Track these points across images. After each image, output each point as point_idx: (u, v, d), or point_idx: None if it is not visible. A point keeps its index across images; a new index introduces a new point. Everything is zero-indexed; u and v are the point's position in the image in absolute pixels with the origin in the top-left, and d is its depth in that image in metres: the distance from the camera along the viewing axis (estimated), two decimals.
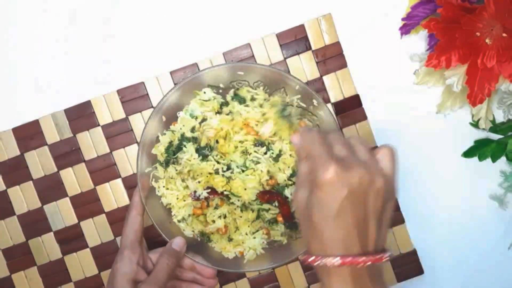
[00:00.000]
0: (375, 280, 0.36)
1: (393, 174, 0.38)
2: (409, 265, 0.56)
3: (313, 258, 0.36)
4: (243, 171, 0.49)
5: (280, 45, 0.55)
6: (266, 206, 0.51)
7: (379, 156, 0.38)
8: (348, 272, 0.35)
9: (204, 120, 0.50)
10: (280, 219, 0.51)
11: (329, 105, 0.55)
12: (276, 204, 0.50)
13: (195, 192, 0.50)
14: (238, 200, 0.50)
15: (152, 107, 0.55)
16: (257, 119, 0.50)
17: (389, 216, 0.38)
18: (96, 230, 0.55)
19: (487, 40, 0.47)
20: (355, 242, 0.36)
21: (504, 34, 0.46)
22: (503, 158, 0.55)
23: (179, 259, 0.48)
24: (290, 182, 0.50)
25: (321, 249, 0.36)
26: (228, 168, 0.49)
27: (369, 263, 0.35)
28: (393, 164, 0.38)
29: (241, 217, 0.51)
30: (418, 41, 0.55)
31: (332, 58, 0.55)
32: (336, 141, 0.39)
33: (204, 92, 0.51)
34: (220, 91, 0.52)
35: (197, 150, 0.50)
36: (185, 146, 0.50)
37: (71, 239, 0.55)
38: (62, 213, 0.55)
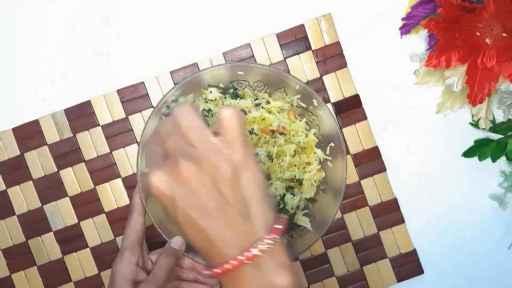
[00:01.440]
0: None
1: (234, 139, 0.32)
2: (409, 265, 0.56)
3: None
4: None
5: (280, 45, 0.55)
6: None
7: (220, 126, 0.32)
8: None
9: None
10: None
11: (329, 105, 0.55)
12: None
13: None
14: None
15: (152, 107, 0.55)
16: (249, 106, 0.50)
17: (256, 183, 0.32)
18: (96, 230, 0.55)
19: (487, 40, 0.47)
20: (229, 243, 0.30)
21: (504, 34, 0.46)
22: (503, 158, 0.55)
23: (178, 258, 0.48)
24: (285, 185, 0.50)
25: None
26: None
27: (265, 246, 0.30)
28: (235, 133, 0.32)
29: None
30: (418, 41, 0.55)
31: (332, 58, 0.55)
32: (163, 130, 0.33)
33: (211, 92, 0.51)
34: (220, 91, 0.52)
35: None
36: None
37: (71, 239, 0.55)
38: (62, 213, 0.55)
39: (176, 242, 0.49)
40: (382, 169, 0.56)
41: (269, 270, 0.31)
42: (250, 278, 0.30)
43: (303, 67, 0.55)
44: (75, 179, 0.55)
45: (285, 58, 0.55)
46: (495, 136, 0.55)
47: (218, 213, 0.31)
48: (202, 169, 0.31)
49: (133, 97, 0.55)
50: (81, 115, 0.55)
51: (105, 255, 0.55)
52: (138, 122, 0.55)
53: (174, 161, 0.31)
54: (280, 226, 0.31)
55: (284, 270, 0.31)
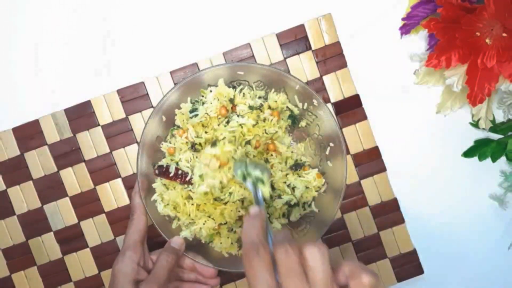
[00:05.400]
0: None
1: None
2: (409, 265, 0.56)
3: None
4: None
5: (280, 45, 0.55)
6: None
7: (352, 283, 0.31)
8: None
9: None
10: None
11: (329, 105, 0.55)
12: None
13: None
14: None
15: (152, 107, 0.55)
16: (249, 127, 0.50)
17: None
18: (96, 230, 0.55)
19: (487, 40, 0.47)
20: None
21: (504, 34, 0.46)
22: (503, 158, 0.55)
23: (178, 257, 0.49)
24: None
25: None
26: None
27: None
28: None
29: (239, 211, 0.50)
30: (418, 41, 0.55)
31: (332, 58, 0.55)
32: (285, 262, 0.31)
33: (210, 91, 0.51)
34: None
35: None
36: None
37: (71, 239, 0.55)
38: (62, 213, 0.55)
39: (176, 241, 0.49)
40: (382, 169, 0.56)
41: None
42: None
43: (303, 67, 0.55)
44: (75, 179, 0.55)
45: (285, 58, 0.55)
46: (495, 136, 0.55)
47: None
48: None
49: (133, 97, 0.55)
50: (81, 115, 0.55)
51: (105, 255, 0.55)
52: (138, 122, 0.55)
53: None
54: None
55: None
